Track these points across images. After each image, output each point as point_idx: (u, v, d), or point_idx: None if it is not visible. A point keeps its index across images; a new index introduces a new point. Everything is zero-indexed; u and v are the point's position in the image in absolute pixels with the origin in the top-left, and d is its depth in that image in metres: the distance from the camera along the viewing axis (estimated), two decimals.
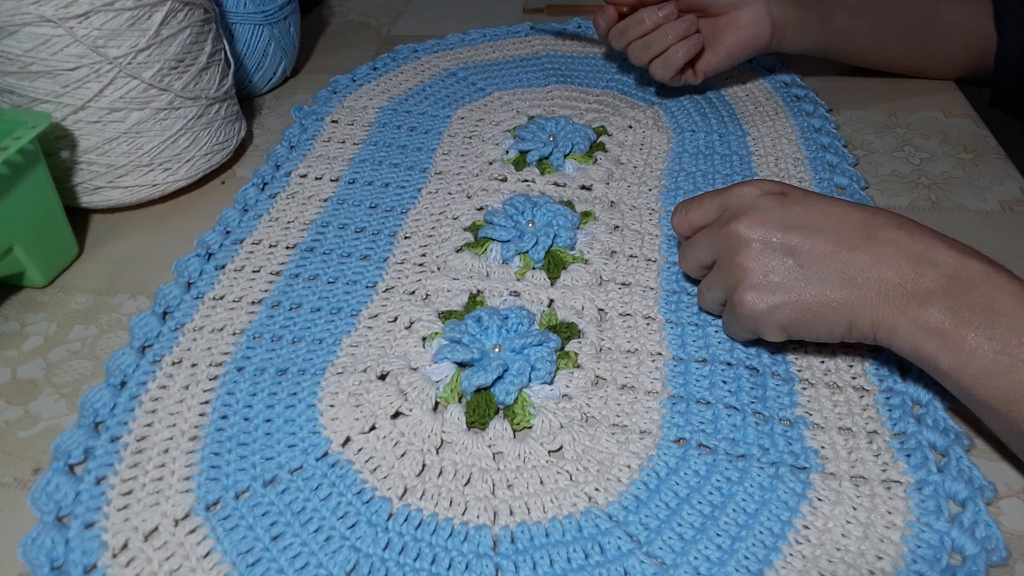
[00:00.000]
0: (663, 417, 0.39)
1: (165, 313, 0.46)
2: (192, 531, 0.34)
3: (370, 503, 0.36)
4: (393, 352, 0.43)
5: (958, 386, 0.35)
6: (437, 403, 0.40)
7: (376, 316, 0.46)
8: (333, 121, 0.65)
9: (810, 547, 0.33)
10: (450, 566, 0.33)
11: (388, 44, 0.80)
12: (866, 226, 0.37)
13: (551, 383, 0.41)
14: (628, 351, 0.43)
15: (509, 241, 0.50)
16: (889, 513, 0.35)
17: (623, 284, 0.48)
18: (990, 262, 0.35)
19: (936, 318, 0.34)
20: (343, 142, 0.63)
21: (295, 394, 0.41)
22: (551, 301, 0.47)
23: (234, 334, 0.45)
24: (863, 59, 0.66)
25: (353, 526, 0.35)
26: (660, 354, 0.43)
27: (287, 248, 0.51)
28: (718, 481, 0.36)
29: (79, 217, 0.55)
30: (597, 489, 0.36)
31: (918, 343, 0.35)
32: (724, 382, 0.41)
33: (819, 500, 0.35)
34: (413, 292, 0.48)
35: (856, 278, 0.36)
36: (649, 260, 0.50)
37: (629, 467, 0.37)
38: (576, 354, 0.43)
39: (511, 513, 0.35)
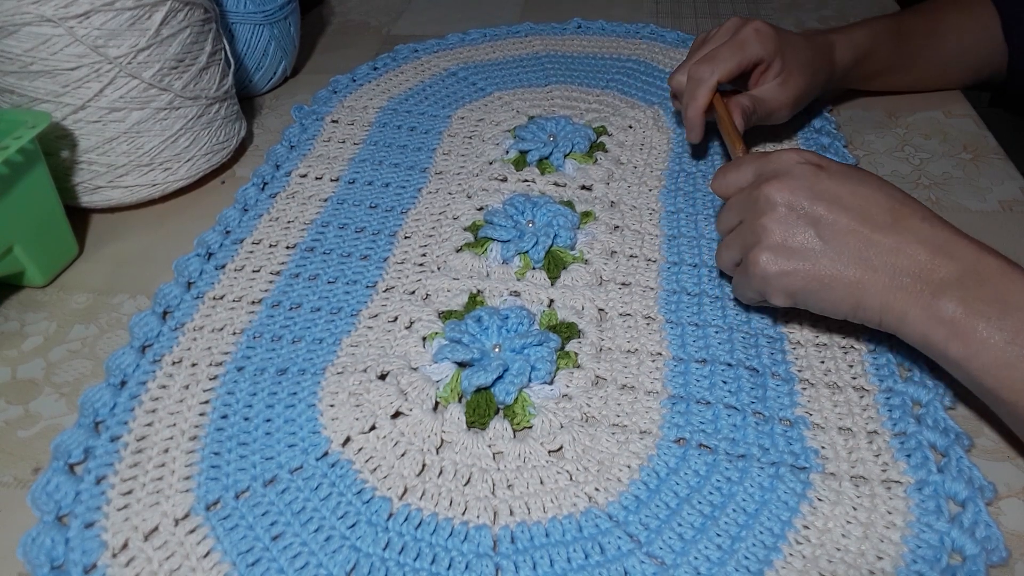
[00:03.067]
0: (663, 417, 0.39)
1: (165, 313, 0.46)
2: (192, 531, 0.34)
3: (370, 503, 0.36)
4: (393, 352, 0.43)
5: (967, 375, 0.35)
6: (437, 403, 0.40)
7: (376, 316, 0.46)
8: (333, 121, 0.65)
9: (810, 547, 0.33)
10: (450, 566, 0.33)
11: (388, 44, 0.80)
12: (892, 211, 0.37)
13: (551, 383, 0.41)
14: (628, 351, 0.43)
15: (509, 241, 0.50)
16: (889, 513, 0.35)
17: (623, 284, 0.48)
18: (1007, 260, 0.36)
19: (948, 308, 0.34)
20: (343, 142, 0.63)
21: (295, 394, 0.41)
22: (551, 301, 0.47)
23: (234, 334, 0.45)
24: (870, 89, 0.66)
25: (353, 526, 0.35)
26: (660, 354, 0.43)
27: (287, 248, 0.51)
28: (718, 481, 0.36)
29: (79, 217, 0.55)
30: (597, 489, 0.36)
31: (928, 331, 0.35)
32: (724, 382, 0.41)
33: (819, 500, 0.35)
34: (413, 292, 0.48)
35: (872, 260, 0.36)
36: (649, 260, 0.50)
37: (629, 467, 0.37)
38: (576, 354, 0.43)
39: (511, 513, 0.35)
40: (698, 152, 0.60)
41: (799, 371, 0.42)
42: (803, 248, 0.38)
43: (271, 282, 0.48)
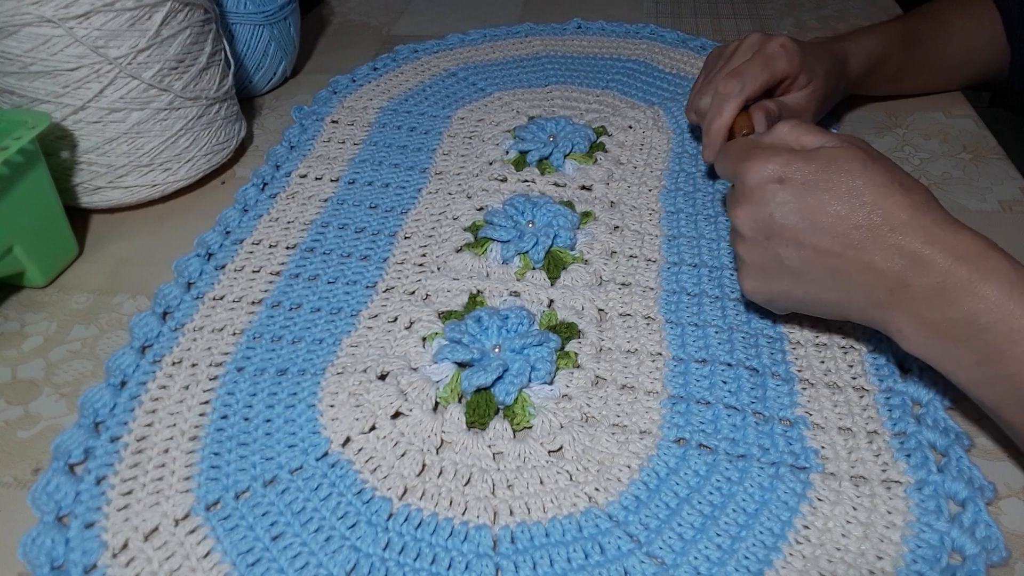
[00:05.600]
0: (663, 417, 0.39)
1: (165, 313, 0.46)
2: (192, 531, 0.34)
3: (370, 503, 0.36)
4: (393, 352, 0.43)
5: (956, 384, 0.35)
6: (437, 403, 0.40)
7: (376, 316, 0.46)
8: (333, 121, 0.65)
9: (810, 547, 0.33)
10: (450, 566, 0.33)
11: (388, 44, 0.80)
12: (865, 227, 0.36)
13: (551, 383, 0.41)
14: (628, 351, 0.43)
15: (509, 241, 0.50)
16: (889, 513, 0.35)
17: (623, 284, 0.48)
18: (979, 267, 0.34)
19: (919, 330, 0.35)
20: (343, 142, 0.63)
21: (295, 394, 0.41)
22: (551, 301, 0.47)
23: (234, 334, 0.45)
24: (877, 94, 0.66)
25: (353, 526, 0.35)
26: (660, 354, 0.43)
27: (287, 248, 0.51)
28: (718, 481, 0.36)
29: (79, 217, 0.55)
30: (597, 489, 0.36)
31: (908, 348, 0.36)
32: (724, 382, 0.41)
33: (819, 500, 0.35)
34: (413, 292, 0.48)
35: (846, 283, 0.37)
36: (649, 260, 0.50)
37: (629, 467, 0.37)
38: (576, 354, 0.43)
39: (511, 513, 0.35)
40: (698, 153, 0.60)
41: (799, 371, 0.42)
42: (779, 274, 0.39)
43: (271, 282, 0.48)
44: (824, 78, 0.55)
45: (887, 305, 0.36)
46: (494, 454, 0.38)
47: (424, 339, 0.44)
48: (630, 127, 0.63)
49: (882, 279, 0.35)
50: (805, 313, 0.41)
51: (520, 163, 0.59)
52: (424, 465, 0.37)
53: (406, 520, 0.35)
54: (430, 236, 0.52)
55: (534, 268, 0.49)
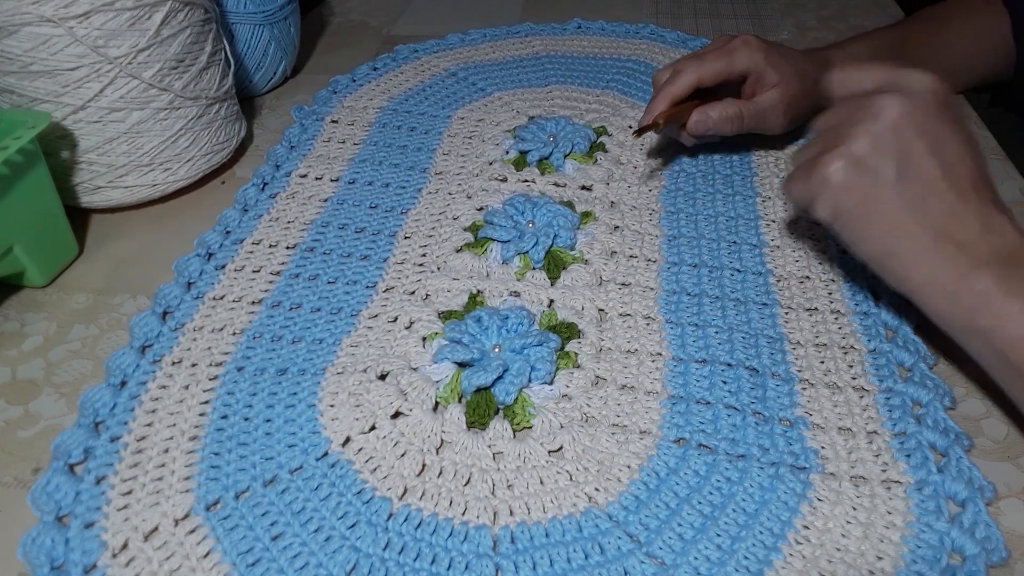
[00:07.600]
0: (663, 417, 0.39)
1: (165, 313, 0.46)
2: (192, 531, 0.34)
3: (370, 503, 0.36)
4: (393, 352, 0.43)
5: (990, 346, 0.35)
6: (437, 403, 0.40)
7: (376, 316, 0.46)
8: (333, 121, 0.65)
9: (810, 547, 0.33)
10: (450, 566, 0.33)
11: (388, 44, 0.80)
12: (974, 181, 0.37)
13: (551, 383, 0.41)
14: (628, 351, 0.43)
15: (509, 241, 0.50)
16: (889, 513, 0.35)
17: (623, 284, 0.48)
18: None
19: (984, 283, 0.35)
20: (343, 142, 0.63)
21: (295, 394, 0.41)
22: (551, 301, 0.47)
23: (234, 334, 0.45)
24: None
25: (353, 526, 0.35)
26: (660, 354, 0.43)
27: (287, 248, 0.51)
28: (718, 481, 0.36)
29: (79, 217, 0.55)
30: (597, 489, 0.36)
31: (957, 298, 0.36)
32: (724, 382, 0.41)
33: (819, 500, 0.35)
34: (413, 292, 0.48)
35: (927, 213, 0.36)
36: (649, 260, 0.50)
37: (629, 467, 0.37)
38: (576, 354, 0.43)
39: (511, 513, 0.35)
40: (698, 152, 0.60)
41: (799, 371, 0.42)
42: (877, 172, 0.37)
43: (271, 282, 0.49)
44: (796, 76, 0.56)
45: (949, 256, 0.36)
46: (494, 454, 0.38)
47: (424, 339, 0.44)
48: (630, 127, 0.63)
49: (960, 230, 0.36)
50: (849, 227, 0.39)
51: (520, 163, 0.59)
52: (424, 465, 0.37)
53: (406, 520, 0.35)
54: (430, 236, 0.52)
55: (534, 268, 0.49)
